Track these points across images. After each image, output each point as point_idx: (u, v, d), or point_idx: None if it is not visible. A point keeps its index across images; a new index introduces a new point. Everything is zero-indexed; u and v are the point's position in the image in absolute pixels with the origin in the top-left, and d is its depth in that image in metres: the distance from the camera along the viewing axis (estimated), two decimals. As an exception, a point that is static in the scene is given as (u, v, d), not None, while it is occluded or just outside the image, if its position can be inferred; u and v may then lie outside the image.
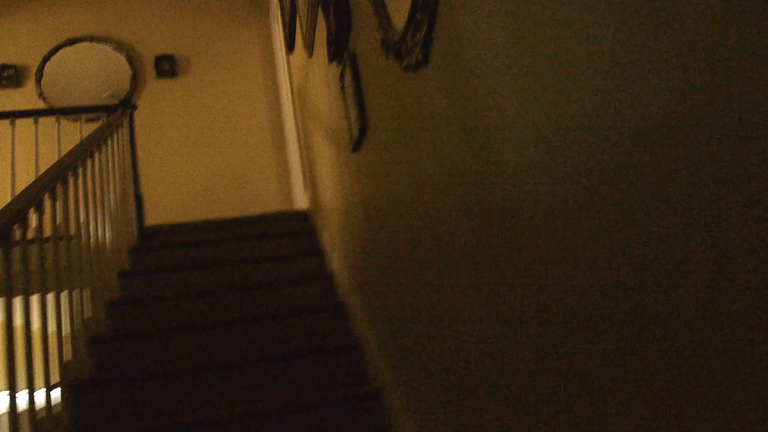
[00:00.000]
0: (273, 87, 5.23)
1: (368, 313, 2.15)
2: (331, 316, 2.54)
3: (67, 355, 2.17)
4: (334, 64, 2.04)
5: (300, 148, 3.94)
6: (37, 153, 3.64)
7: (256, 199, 4.87)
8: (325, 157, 2.70)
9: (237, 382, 2.19)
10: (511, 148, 0.82)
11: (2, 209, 1.96)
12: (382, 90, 1.47)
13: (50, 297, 2.15)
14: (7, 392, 1.73)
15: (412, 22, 1.09)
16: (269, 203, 4.85)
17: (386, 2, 1.33)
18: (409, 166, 1.31)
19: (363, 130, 1.71)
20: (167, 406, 2.14)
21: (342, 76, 1.90)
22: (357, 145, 1.81)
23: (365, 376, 2.23)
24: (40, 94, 4.95)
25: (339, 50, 1.91)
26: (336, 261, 2.72)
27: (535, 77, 0.73)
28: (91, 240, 2.62)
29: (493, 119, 0.87)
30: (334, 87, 2.16)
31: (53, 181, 2.26)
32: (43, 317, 2.01)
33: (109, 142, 3.14)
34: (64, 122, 4.69)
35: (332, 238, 2.84)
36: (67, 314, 2.23)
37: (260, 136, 5.08)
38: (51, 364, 2.04)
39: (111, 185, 3.06)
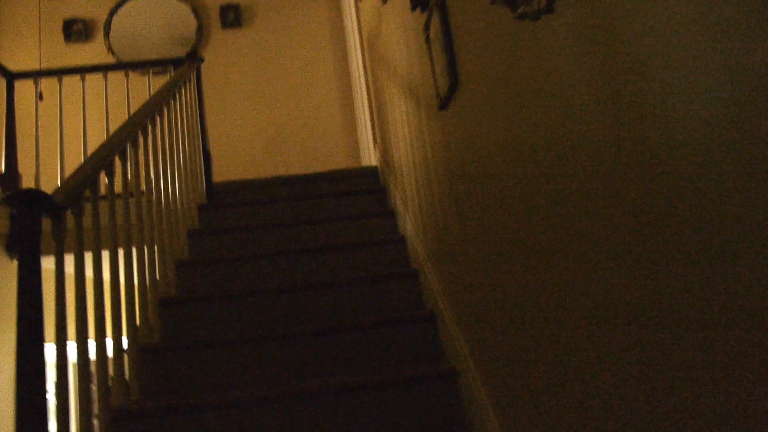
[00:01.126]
0: (340, 36, 5.03)
1: (445, 285, 2.00)
2: (404, 284, 2.41)
3: (137, 319, 2.13)
4: (417, 11, 1.84)
5: (369, 102, 3.77)
6: (106, 108, 3.60)
7: (323, 154, 4.75)
8: (400, 113, 2.52)
9: (306, 350, 2.10)
10: (687, 113, 0.63)
11: (73, 173, 1.89)
12: (482, 42, 1.27)
13: (121, 254, 2.11)
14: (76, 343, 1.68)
15: (534, -43, 0.89)
16: (336, 158, 4.73)
17: (491, -64, 1.12)
18: (518, 130, 1.12)
19: (453, 86, 1.52)
20: (236, 375, 2.08)
21: (427, 25, 1.71)
22: (444, 103, 1.63)
23: (440, 351, 2.10)
24: (109, 48, 4.93)
25: (424, -4, 1.70)
26: (410, 225, 2.57)
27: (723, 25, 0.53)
28: (162, 198, 2.56)
29: (659, 78, 0.67)
30: (415, 38, 1.97)
31: (123, 141, 2.18)
32: (113, 275, 1.96)
33: (177, 96, 3.05)
34: (132, 75, 4.67)
35: (405, 200, 2.68)
36: (138, 273, 2.18)
37: (327, 89, 4.92)
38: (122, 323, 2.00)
39: (179, 141, 2.99)
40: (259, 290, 2.35)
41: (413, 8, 1.83)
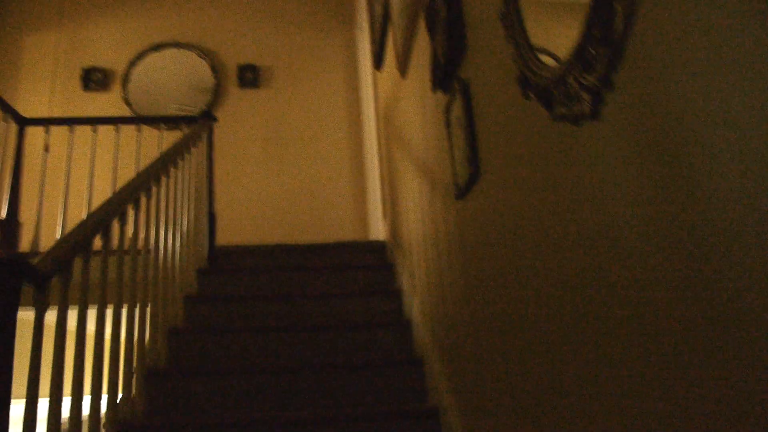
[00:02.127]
0: (355, 105, 5.04)
1: (451, 380, 1.85)
2: (407, 373, 2.26)
3: (120, 390, 1.98)
4: (439, 93, 1.77)
5: (381, 174, 3.70)
6: (116, 160, 3.54)
7: (331, 223, 4.66)
8: (413, 193, 2.43)
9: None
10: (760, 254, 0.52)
11: (65, 236, 1.80)
12: (510, 136, 1.18)
13: (109, 317, 1.98)
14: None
15: (580, 58, 0.80)
16: (343, 229, 4.63)
17: (527, 26, 1.05)
18: (544, 236, 1.02)
19: (473, 177, 1.43)
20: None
21: (448, 109, 1.63)
22: (462, 192, 1.53)
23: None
24: (125, 99, 4.94)
25: (447, 77, 1.64)
26: (416, 309, 2.44)
27: None
28: (160, 259, 2.45)
29: (724, 209, 0.57)
30: (434, 119, 1.90)
31: (124, 203, 2.10)
32: (98, 338, 1.84)
33: (187, 155, 2.99)
34: (146, 128, 4.65)
35: (413, 282, 2.56)
36: (126, 340, 2.05)
37: (339, 157, 4.88)
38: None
39: (185, 202, 2.91)
40: (252, 368, 2.21)
41: (434, 89, 1.76)
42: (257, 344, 2.46)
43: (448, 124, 1.65)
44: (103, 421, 1.87)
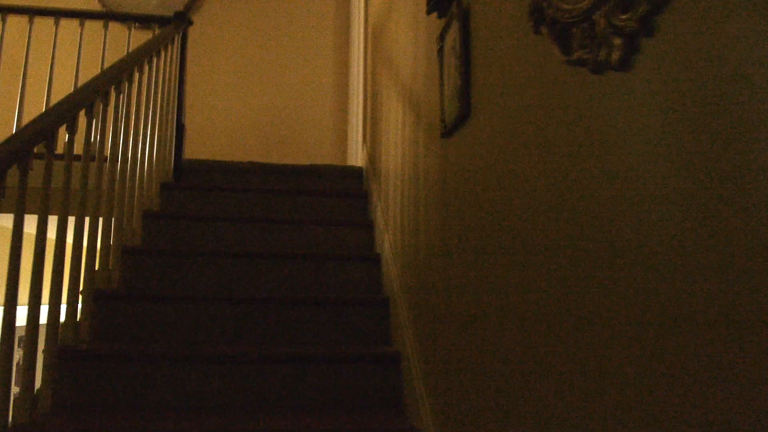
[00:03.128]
0: (344, 20, 4.73)
1: (416, 331, 1.76)
2: (372, 313, 2.16)
3: (73, 316, 1.85)
4: (434, 16, 1.58)
5: (365, 97, 3.50)
6: (78, 57, 3.26)
7: (308, 144, 4.47)
8: (396, 122, 2.26)
9: (256, 379, 1.85)
10: None
11: (24, 126, 1.62)
12: (511, 75, 1.02)
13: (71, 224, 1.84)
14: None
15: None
16: (321, 151, 4.45)
17: (546, -54, 0.86)
18: (547, 192, 0.88)
19: (463, 115, 1.27)
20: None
21: (442, 35, 1.45)
22: (449, 131, 1.38)
23: (399, 400, 1.87)
24: (96, -9, 4.56)
25: (445, 0, 1.44)
26: (387, 245, 2.32)
27: None
28: (117, 170, 2.27)
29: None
30: (425, 45, 1.71)
31: (91, 96, 1.90)
32: (59, 247, 1.69)
33: (156, 59, 2.75)
34: (113, 28, 4.33)
35: (387, 215, 2.43)
36: (74, 255, 1.90)
37: (322, 75, 4.62)
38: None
39: (152, 109, 2.69)
40: (206, 295, 2.09)
41: (429, 11, 1.56)
42: (216, 270, 2.34)
43: (440, 52, 1.47)
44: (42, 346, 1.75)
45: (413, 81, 1.91)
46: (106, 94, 2.14)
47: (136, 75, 2.50)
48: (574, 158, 0.78)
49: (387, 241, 2.35)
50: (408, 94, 2.00)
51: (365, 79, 3.48)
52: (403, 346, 1.90)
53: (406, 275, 1.97)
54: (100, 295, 2.04)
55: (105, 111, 2.15)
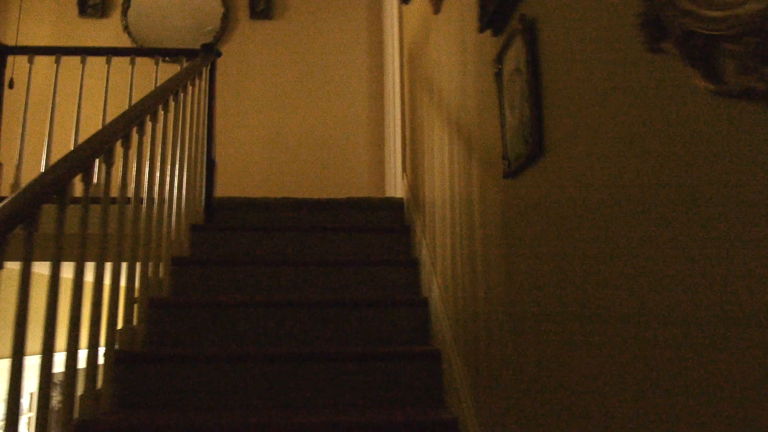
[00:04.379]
0: (378, 44, 4.57)
1: (475, 392, 1.52)
2: (422, 366, 1.93)
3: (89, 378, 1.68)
4: (488, 33, 1.36)
5: (402, 123, 3.29)
6: (106, 95, 3.16)
7: (344, 176, 4.28)
8: (441, 151, 2.05)
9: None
10: None
11: (31, 182, 1.46)
12: (607, 105, 0.79)
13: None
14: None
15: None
16: (358, 183, 4.25)
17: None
18: (665, 256, 0.65)
19: (534, 153, 1.04)
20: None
21: (501, 56, 1.23)
22: (515, 170, 1.15)
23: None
24: (125, 27, 4.51)
25: (501, 12, 1.23)
26: (436, 289, 2.10)
27: None
28: (142, 213, 2.12)
29: None
30: (477, 68, 1.49)
31: (109, 141, 1.76)
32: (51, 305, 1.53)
33: (183, 93, 2.61)
34: (142, 63, 4.24)
35: (434, 255, 2.21)
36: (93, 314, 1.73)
37: (357, 102, 4.45)
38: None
39: (179, 146, 2.54)
40: (240, 354, 1.89)
41: (481, 29, 1.35)
42: (251, 322, 2.14)
43: (498, 77, 1.25)
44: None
45: (461, 110, 1.69)
46: (127, 137, 1.98)
47: (161, 113, 2.35)
48: (719, 226, 0.55)
49: (436, 285, 2.12)
50: (455, 124, 1.78)
51: (402, 105, 3.29)
52: (459, 410, 1.66)
53: (460, 329, 1.74)
54: (125, 357, 1.86)
55: (126, 151, 1.99)
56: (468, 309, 1.64)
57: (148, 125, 2.21)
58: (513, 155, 1.16)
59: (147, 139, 2.26)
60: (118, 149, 1.96)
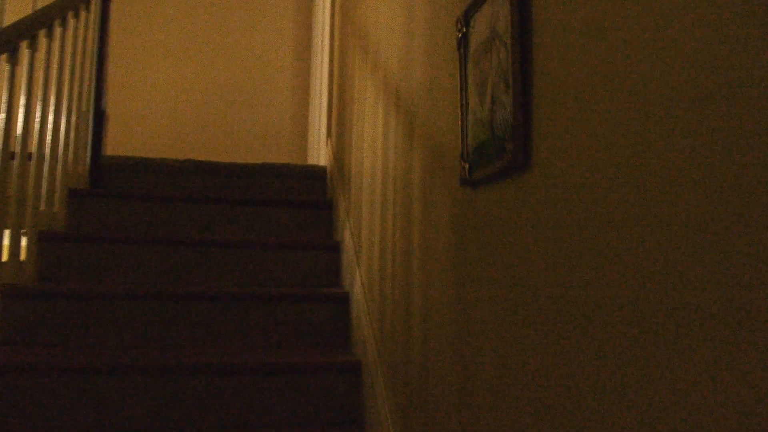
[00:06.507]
0: (306, -14, 4.10)
1: (403, 420, 1.24)
2: (338, 381, 1.63)
3: None
4: (447, -13, 1.02)
5: (330, 80, 2.91)
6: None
7: (260, 136, 3.85)
8: (373, 121, 1.71)
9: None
10: None
11: None
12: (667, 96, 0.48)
13: None
14: None
15: None
16: (277, 146, 3.84)
17: None
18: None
19: (515, 163, 0.73)
20: None
21: (468, 14, 0.90)
22: (480, 179, 0.83)
23: None
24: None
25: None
26: (358, 285, 1.79)
27: None
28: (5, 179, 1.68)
29: None
30: (431, 26, 1.15)
31: None
32: None
33: (58, 28, 2.12)
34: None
35: (357, 242, 1.89)
36: None
37: (279, 52, 3.99)
38: None
39: (57, 89, 2.08)
40: (121, 364, 1.53)
41: (440, -22, 1.00)
42: (135, 317, 1.77)
43: (463, 44, 0.91)
44: None
45: (403, 79, 1.35)
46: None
47: (42, 40, 1.87)
48: None
49: (359, 279, 1.81)
50: (394, 95, 1.44)
51: (331, 59, 2.90)
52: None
53: (387, 341, 1.44)
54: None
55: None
56: (398, 321, 1.34)
57: (24, 54, 1.74)
58: (477, 159, 0.84)
59: (21, 70, 1.79)
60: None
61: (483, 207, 0.84)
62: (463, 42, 0.91)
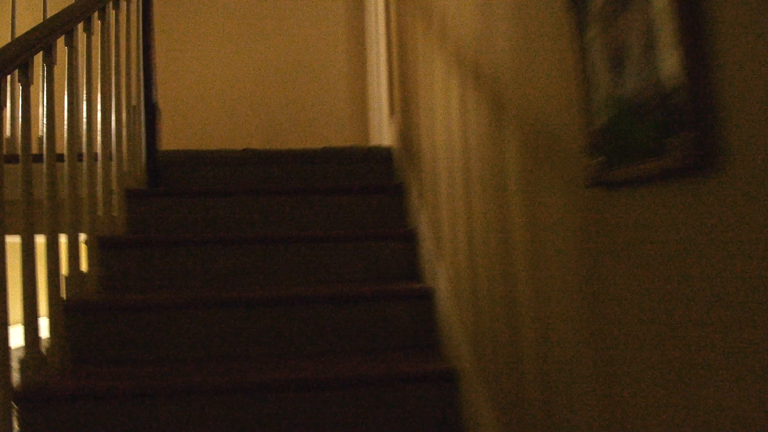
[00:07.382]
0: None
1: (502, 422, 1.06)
2: (427, 391, 1.47)
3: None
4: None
5: (389, 59, 2.71)
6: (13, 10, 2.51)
7: (319, 120, 3.68)
8: (447, 103, 1.50)
9: None
10: None
11: None
12: None
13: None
14: None
15: None
16: (337, 127, 3.67)
17: None
18: None
19: (695, 158, 0.51)
20: None
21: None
22: (629, 180, 0.63)
23: None
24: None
25: None
26: (443, 282, 1.61)
27: None
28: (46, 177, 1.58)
29: None
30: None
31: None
32: None
33: (96, 21, 2.00)
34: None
35: (438, 231, 1.71)
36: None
37: (331, 34, 3.79)
38: None
39: (103, 85, 1.97)
40: (191, 388, 1.41)
41: None
42: (202, 322, 1.65)
43: (577, 5, 0.70)
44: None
45: (482, 51, 1.13)
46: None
47: (81, 35, 1.74)
48: None
49: (443, 273, 1.63)
50: (470, 68, 1.23)
51: (387, 32, 2.68)
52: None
53: (486, 347, 1.26)
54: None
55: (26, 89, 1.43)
56: (499, 322, 1.15)
57: (63, 50, 1.62)
58: (614, 152, 0.63)
59: (61, 70, 1.67)
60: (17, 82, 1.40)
61: (629, 216, 0.63)
62: (577, 11, 0.70)
